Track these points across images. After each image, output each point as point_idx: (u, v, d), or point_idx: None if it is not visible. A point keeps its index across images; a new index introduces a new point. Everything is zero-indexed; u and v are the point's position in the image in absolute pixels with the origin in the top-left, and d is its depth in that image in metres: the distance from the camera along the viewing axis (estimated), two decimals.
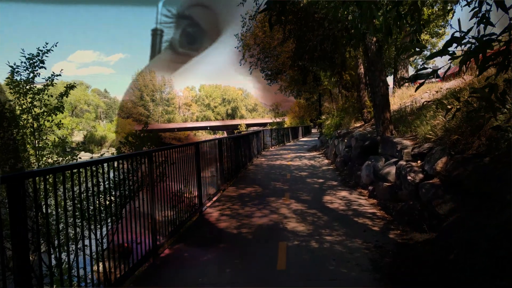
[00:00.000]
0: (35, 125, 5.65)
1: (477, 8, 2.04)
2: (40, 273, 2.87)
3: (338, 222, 5.34)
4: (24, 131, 5.54)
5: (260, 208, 6.58)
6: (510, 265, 2.89)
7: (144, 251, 4.07)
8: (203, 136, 67.96)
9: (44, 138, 5.60)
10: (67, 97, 5.83)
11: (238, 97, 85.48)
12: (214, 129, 70.26)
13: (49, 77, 5.65)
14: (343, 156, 10.85)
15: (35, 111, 5.49)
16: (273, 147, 22.61)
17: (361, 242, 4.36)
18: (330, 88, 17.92)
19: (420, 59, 24.35)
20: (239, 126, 59.85)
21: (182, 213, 5.52)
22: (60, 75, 5.73)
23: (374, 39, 8.19)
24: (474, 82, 6.24)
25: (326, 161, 13.65)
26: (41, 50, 5.55)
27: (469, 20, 2.04)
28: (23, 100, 5.58)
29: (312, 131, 41.30)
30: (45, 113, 5.54)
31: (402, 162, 5.75)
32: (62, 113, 5.69)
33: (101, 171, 3.45)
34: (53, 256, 4.01)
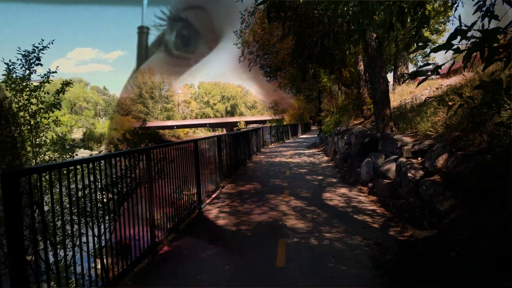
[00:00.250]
0: (32, 122, 5.60)
1: (481, 2, 1.99)
2: (37, 270, 2.84)
3: (338, 219, 5.31)
4: (21, 128, 5.49)
5: (259, 205, 6.55)
6: (511, 263, 2.87)
7: (142, 248, 4.05)
8: (203, 133, 67.90)
9: (41, 135, 5.55)
10: (63, 93, 5.79)
11: (237, 95, 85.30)
12: (213, 126, 70.16)
13: (45, 74, 5.59)
14: (342, 153, 10.82)
15: (31, 109, 5.44)
16: (272, 144, 22.57)
17: (361, 239, 4.33)
18: (330, 85, 17.85)
19: (420, 56, 24.29)
20: (238, 123, 59.81)
21: (181, 210, 5.49)
22: (55, 72, 5.68)
23: (375, 35, 8.13)
24: (475, 79, 6.20)
25: (326, 158, 13.62)
26: (37, 47, 5.49)
27: (473, 14, 2.00)
28: (19, 97, 5.53)
29: (312, 128, 41.26)
30: (41, 110, 5.49)
31: (403, 159, 5.72)
32: (59, 110, 5.63)
33: (98, 168, 3.41)
34: (52, 253, 3.98)
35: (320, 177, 9.23)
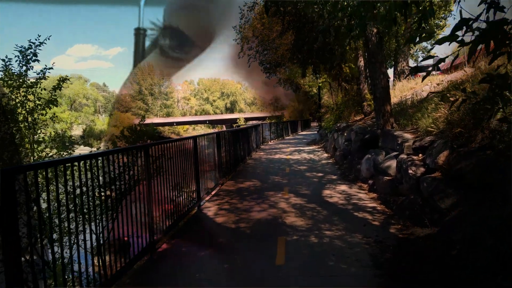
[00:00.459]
0: (30, 119, 5.54)
1: None
2: (32, 268, 2.80)
3: (338, 216, 5.27)
4: (19, 125, 5.44)
5: (259, 202, 6.51)
6: (511, 262, 2.83)
7: (141, 246, 4.00)
8: (202, 130, 67.80)
9: (39, 132, 5.50)
10: (60, 90, 5.72)
11: (237, 91, 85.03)
12: (213, 123, 70.04)
13: (41, 70, 5.52)
14: (342, 150, 10.77)
15: (28, 105, 5.38)
16: (272, 141, 22.52)
17: (361, 237, 4.29)
18: (330, 81, 17.76)
19: (421, 51, 24.17)
20: (238, 120, 59.69)
21: (180, 208, 5.45)
22: (52, 68, 5.62)
23: (375, 30, 8.05)
24: (477, 74, 6.13)
25: (326, 155, 13.57)
26: (33, 43, 5.41)
27: (478, 6, 1.93)
28: (16, 93, 5.46)
29: (311, 124, 41.19)
30: (38, 107, 5.42)
31: (403, 156, 5.67)
32: (56, 106, 5.57)
33: (95, 165, 3.36)
34: (49, 251, 3.94)
35: (320, 174, 9.19)
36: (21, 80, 5.43)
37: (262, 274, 3.54)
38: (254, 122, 46.54)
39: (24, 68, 5.50)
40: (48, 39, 5.45)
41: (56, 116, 6.19)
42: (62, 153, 5.58)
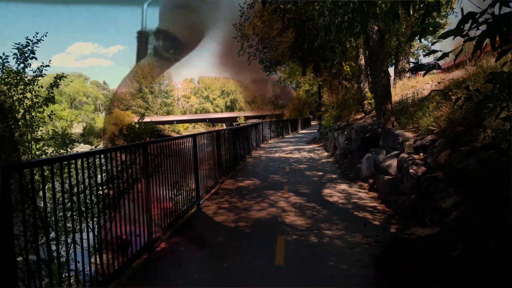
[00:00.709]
0: (28, 117, 5.50)
1: None
2: (28, 267, 2.76)
3: (338, 216, 5.23)
4: (17, 123, 5.39)
5: (258, 201, 6.47)
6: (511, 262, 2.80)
7: (139, 245, 3.97)
8: (202, 128, 67.73)
9: (36, 130, 5.45)
10: (57, 87, 5.66)
11: (237, 89, 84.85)
12: (213, 121, 69.93)
13: (38, 68, 5.47)
14: (343, 149, 10.72)
15: (26, 103, 5.33)
16: (272, 140, 22.48)
17: (362, 237, 4.25)
18: (330, 79, 17.69)
19: (422, 50, 24.05)
20: (238, 118, 59.59)
21: (179, 206, 5.42)
22: (48, 65, 5.56)
23: (376, 28, 7.99)
24: (479, 73, 6.07)
25: (326, 153, 13.52)
26: (31, 40, 5.35)
27: (483, 1, 1.88)
28: (14, 91, 5.41)
29: (312, 123, 41.13)
30: (36, 104, 5.37)
31: (404, 155, 5.62)
32: (53, 104, 5.52)
33: (93, 163, 3.31)
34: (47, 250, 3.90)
35: (320, 173, 9.15)
36: (18, 78, 5.38)
37: (261, 274, 3.50)
38: (255, 120, 46.49)
39: (22, 65, 5.45)
40: (45, 35, 5.39)
41: (54, 114, 6.14)
42: (58, 150, 5.53)
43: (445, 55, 1.77)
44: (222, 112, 77.57)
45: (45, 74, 5.55)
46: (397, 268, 3.35)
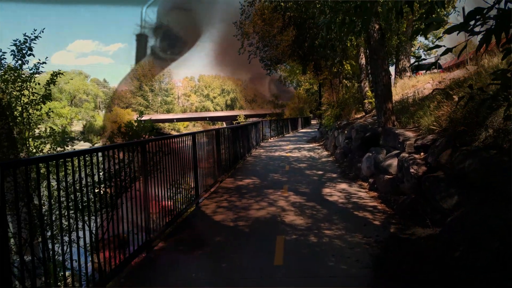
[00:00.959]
0: (25, 114, 5.46)
1: None
2: (22, 266, 2.72)
3: (338, 215, 5.19)
4: (16, 120, 5.35)
5: (257, 200, 6.43)
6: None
7: (137, 244, 3.93)
8: (202, 127, 67.67)
9: (34, 127, 5.41)
10: (54, 84, 5.62)
11: (237, 88, 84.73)
12: (213, 120, 69.86)
13: (34, 65, 5.43)
14: (343, 148, 10.68)
15: (23, 100, 5.29)
16: (272, 138, 22.44)
17: (362, 237, 4.21)
18: (331, 78, 17.64)
19: (422, 50, 23.98)
20: (238, 117, 59.51)
21: (178, 205, 5.38)
22: (45, 62, 5.52)
23: (377, 26, 7.93)
24: (480, 72, 6.02)
25: (326, 152, 13.48)
26: (28, 37, 5.30)
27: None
28: (11, 88, 5.37)
29: (312, 122, 41.08)
30: (33, 102, 5.33)
31: (405, 154, 5.58)
32: (51, 101, 5.48)
33: (89, 161, 3.27)
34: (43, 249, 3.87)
35: (320, 172, 9.11)
36: (16, 74, 5.33)
37: (260, 274, 3.46)
38: (255, 119, 46.40)
39: (19, 62, 5.41)
40: (42, 31, 5.34)
41: (52, 111, 6.10)
42: (56, 149, 5.49)
43: (448, 50, 1.73)
44: (222, 110, 77.49)
45: (42, 71, 5.51)
46: (397, 269, 3.31)
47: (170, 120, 65.73)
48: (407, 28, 13.35)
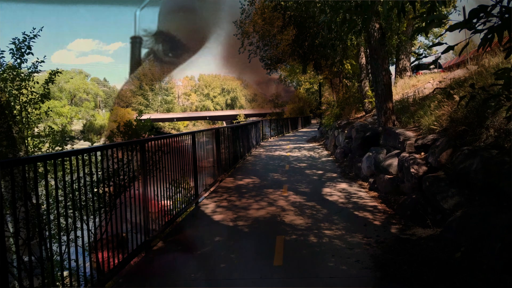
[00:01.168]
0: (24, 113, 5.44)
1: None
2: (19, 266, 2.71)
3: (338, 215, 5.17)
4: (15, 119, 5.33)
5: (257, 200, 6.41)
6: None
7: (135, 244, 3.91)
8: (202, 126, 67.65)
9: (33, 126, 5.39)
10: (52, 83, 5.59)
11: (238, 87, 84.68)
12: (213, 119, 69.84)
13: (32, 64, 5.41)
14: (343, 147, 10.66)
15: (22, 99, 5.27)
16: (272, 138, 22.42)
17: (362, 237, 4.19)
18: (331, 77, 17.62)
19: (423, 49, 23.96)
20: (238, 116, 59.51)
21: (177, 204, 5.36)
22: (43, 61, 5.50)
23: (377, 26, 7.90)
24: (481, 71, 6.00)
25: (326, 152, 13.46)
26: (27, 35, 5.28)
27: None
28: (10, 87, 5.35)
29: (312, 122, 41.05)
30: (32, 101, 5.31)
31: (405, 154, 5.55)
32: (49, 100, 5.45)
33: (87, 160, 3.25)
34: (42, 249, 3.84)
35: (320, 172, 9.08)
36: (14, 73, 5.31)
37: (260, 274, 3.44)
38: (255, 118, 46.38)
39: (18, 61, 5.38)
40: (41, 30, 5.32)
41: (51, 111, 6.08)
42: (55, 148, 5.47)
43: (450, 48, 1.70)
44: (222, 110, 77.47)
45: (41, 70, 5.49)
46: (398, 269, 3.29)
47: (170, 120, 65.71)
48: (407, 27, 13.32)
